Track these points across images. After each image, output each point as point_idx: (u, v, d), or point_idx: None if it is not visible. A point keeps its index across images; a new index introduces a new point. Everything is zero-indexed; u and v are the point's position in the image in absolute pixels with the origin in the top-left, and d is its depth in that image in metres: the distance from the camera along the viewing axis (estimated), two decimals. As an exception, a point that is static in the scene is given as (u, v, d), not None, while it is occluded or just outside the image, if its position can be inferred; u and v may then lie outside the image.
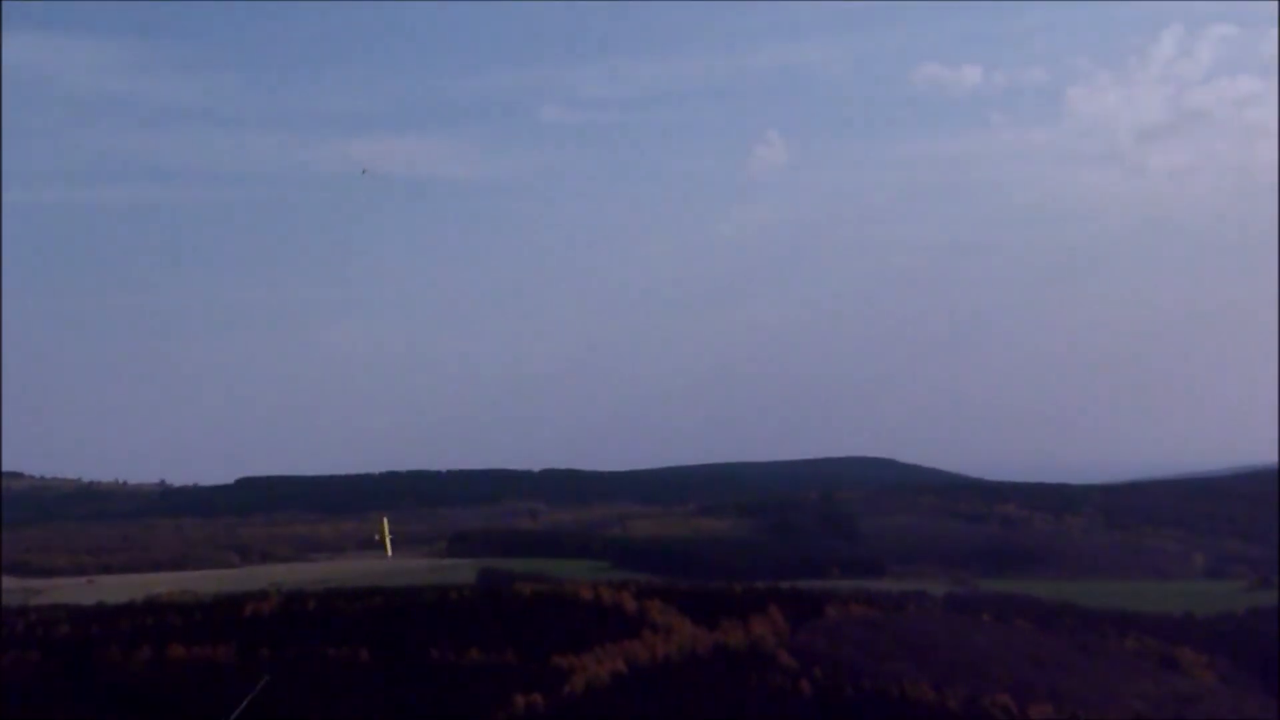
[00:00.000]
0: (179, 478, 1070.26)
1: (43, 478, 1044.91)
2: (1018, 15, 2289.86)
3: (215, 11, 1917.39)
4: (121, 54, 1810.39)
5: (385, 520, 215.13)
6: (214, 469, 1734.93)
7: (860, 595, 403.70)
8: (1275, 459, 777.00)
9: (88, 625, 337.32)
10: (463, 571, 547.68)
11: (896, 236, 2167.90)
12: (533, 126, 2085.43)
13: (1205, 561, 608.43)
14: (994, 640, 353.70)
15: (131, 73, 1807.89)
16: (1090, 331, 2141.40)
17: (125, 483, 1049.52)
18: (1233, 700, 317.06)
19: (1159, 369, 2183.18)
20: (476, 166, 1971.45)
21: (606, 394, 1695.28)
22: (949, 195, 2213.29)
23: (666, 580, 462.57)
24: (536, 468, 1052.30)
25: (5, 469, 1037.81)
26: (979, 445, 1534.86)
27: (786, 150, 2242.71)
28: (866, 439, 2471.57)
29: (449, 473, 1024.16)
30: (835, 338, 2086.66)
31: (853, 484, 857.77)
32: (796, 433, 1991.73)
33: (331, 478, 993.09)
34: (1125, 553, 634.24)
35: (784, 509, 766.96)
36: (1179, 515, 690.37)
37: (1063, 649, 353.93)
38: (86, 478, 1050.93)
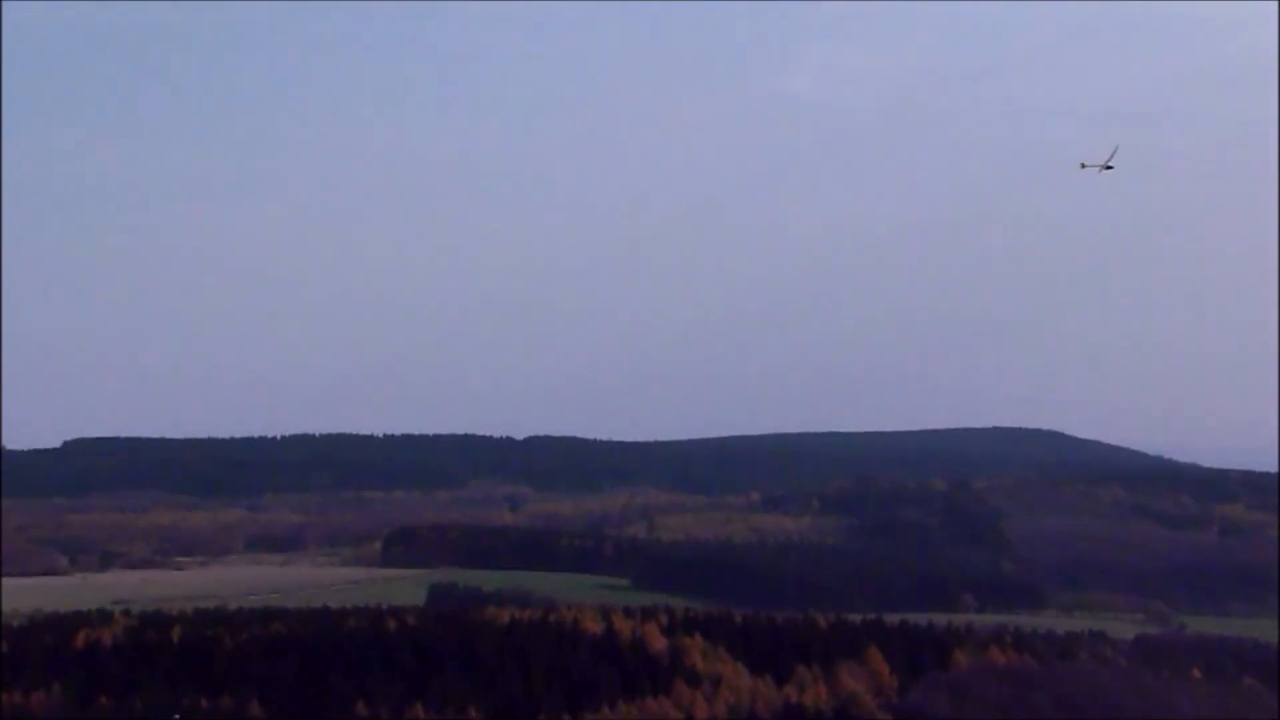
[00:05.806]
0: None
1: None
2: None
3: None
4: None
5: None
6: (35, 428, 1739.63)
7: (1007, 635, 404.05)
8: None
9: None
10: (406, 587, 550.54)
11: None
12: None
13: None
14: (1205, 705, 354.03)
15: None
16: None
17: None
18: None
19: None
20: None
21: (623, 331, 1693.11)
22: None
23: (713, 606, 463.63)
24: (519, 434, 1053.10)
25: None
26: (1179, 417, 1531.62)
27: None
28: (1016, 404, 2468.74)
29: (388, 438, 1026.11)
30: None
31: (996, 467, 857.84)
32: (913, 393, 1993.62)
33: (208, 441, 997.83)
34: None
35: (892, 502, 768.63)
36: None
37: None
38: None
